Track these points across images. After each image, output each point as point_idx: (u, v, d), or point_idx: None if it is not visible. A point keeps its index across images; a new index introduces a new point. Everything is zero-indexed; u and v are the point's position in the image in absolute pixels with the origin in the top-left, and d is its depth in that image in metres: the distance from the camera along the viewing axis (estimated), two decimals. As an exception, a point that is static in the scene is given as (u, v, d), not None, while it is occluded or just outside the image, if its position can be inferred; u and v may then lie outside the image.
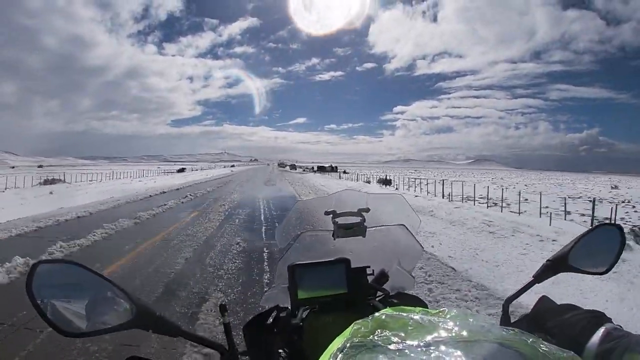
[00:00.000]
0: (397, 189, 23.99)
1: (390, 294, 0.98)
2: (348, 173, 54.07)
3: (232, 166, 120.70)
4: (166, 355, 2.65)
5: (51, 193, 17.35)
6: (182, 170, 59.77)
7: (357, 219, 1.02)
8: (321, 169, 70.24)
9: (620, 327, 0.50)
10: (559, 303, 0.65)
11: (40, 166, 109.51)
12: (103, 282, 0.57)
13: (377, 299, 0.96)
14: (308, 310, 0.89)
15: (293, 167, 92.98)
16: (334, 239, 1.02)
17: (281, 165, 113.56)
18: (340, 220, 1.02)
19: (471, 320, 0.37)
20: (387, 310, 0.41)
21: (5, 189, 19.69)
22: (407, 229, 1.07)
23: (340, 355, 0.35)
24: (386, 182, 28.26)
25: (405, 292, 1.01)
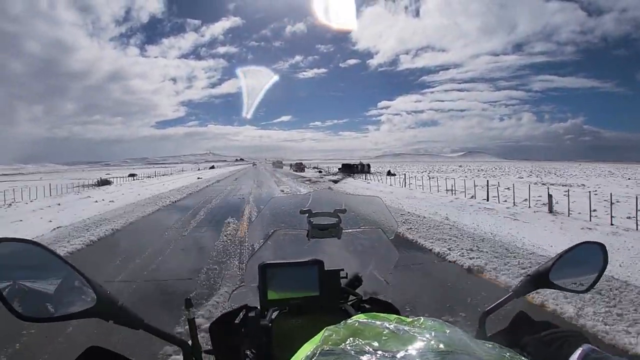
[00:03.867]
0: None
1: (363, 298, 0.96)
2: (394, 175, 31.29)
3: (212, 167, 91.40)
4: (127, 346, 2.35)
5: None
6: (106, 182, 27.30)
7: (333, 220, 1.01)
8: (348, 168, 40.97)
9: (598, 348, 0.48)
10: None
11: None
12: (64, 265, 0.53)
13: (349, 303, 0.94)
14: (278, 312, 0.87)
15: (300, 167, 55.41)
16: (309, 240, 1.00)
17: (277, 164, 79.52)
18: (316, 220, 1.00)
19: (447, 331, 0.36)
20: (360, 317, 0.39)
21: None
22: (384, 233, 1.05)
23: None
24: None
25: (378, 297, 1.00)
